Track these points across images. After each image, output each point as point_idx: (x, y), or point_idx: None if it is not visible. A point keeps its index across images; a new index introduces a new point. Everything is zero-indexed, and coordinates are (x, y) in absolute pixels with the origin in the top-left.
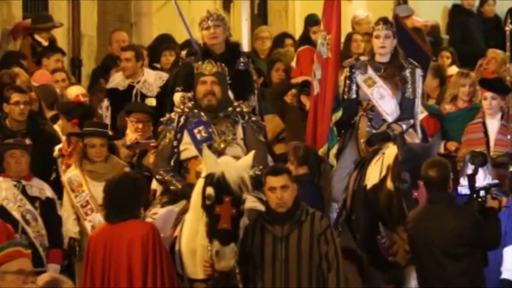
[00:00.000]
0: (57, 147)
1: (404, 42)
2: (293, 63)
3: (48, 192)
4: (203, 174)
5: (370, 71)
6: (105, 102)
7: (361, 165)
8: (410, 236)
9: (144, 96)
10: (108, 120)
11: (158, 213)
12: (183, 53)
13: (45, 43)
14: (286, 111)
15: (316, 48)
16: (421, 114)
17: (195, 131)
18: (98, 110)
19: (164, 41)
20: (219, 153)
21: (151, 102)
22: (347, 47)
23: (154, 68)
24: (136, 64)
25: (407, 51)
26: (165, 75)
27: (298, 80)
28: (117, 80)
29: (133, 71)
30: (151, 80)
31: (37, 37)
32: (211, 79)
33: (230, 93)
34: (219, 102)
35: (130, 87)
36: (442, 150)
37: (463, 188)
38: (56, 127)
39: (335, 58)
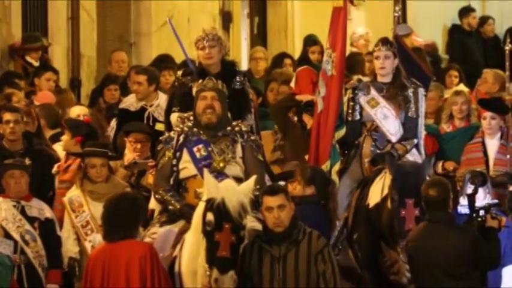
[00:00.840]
0: (56, 165)
1: (405, 62)
2: (292, 84)
3: (48, 213)
4: (204, 198)
5: (373, 92)
6: (113, 122)
7: (364, 184)
8: (410, 256)
9: (155, 120)
10: (111, 140)
11: (157, 233)
12: (179, 73)
13: (36, 63)
14: (289, 128)
15: (321, 65)
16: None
17: (195, 149)
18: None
19: (163, 61)
20: (218, 172)
21: (161, 127)
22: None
23: None
24: (149, 88)
25: (407, 70)
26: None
27: (302, 97)
28: (130, 100)
29: (145, 94)
30: (163, 103)
31: (27, 58)
32: (212, 94)
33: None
34: (219, 118)
35: (143, 110)
36: (440, 169)
37: (463, 208)
38: (56, 146)
39: (339, 76)
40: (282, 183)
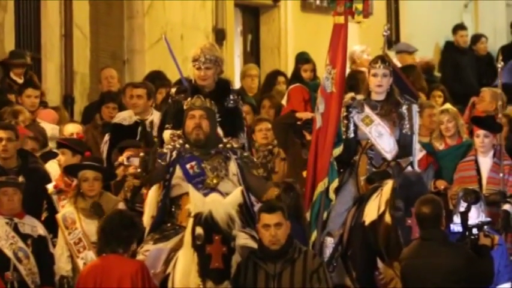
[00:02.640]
0: (50, 185)
1: (394, 82)
2: (283, 101)
3: (41, 230)
4: (192, 214)
5: (367, 110)
6: (106, 137)
7: (360, 202)
8: (404, 273)
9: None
10: (104, 155)
11: (149, 250)
12: (173, 90)
13: (20, 80)
14: (290, 145)
15: (321, 82)
16: (420, 153)
17: (188, 166)
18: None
19: (155, 78)
20: (212, 189)
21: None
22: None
23: None
24: (147, 102)
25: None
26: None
27: (303, 115)
28: (123, 115)
29: (143, 108)
30: (157, 120)
31: (12, 75)
32: (200, 113)
33: (220, 131)
34: (207, 137)
35: (136, 124)
36: (432, 188)
37: (456, 226)
38: (50, 164)
39: (339, 93)
40: None
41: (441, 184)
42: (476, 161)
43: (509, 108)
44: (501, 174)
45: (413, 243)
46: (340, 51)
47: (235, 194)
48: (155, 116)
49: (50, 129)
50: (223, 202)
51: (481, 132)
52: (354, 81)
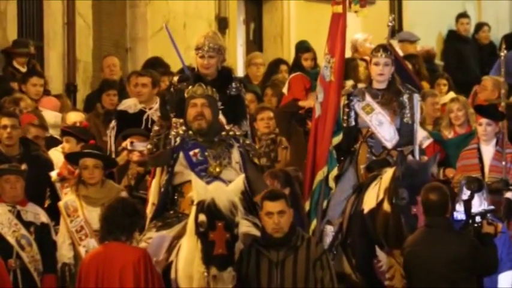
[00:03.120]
0: (54, 172)
1: (397, 71)
2: (284, 90)
3: (43, 218)
4: (195, 202)
5: (368, 98)
6: (112, 123)
7: (359, 190)
8: (407, 261)
9: (153, 123)
10: (112, 142)
11: (152, 238)
12: (175, 79)
13: (23, 69)
14: (292, 134)
15: (320, 71)
16: (428, 140)
17: (191, 153)
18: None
19: (155, 65)
20: (215, 177)
21: None
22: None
23: None
24: (152, 91)
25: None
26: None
27: (305, 103)
28: (129, 103)
29: (148, 97)
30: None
31: (15, 64)
32: (202, 101)
33: (222, 118)
34: (210, 125)
35: (141, 112)
36: (441, 176)
37: (459, 214)
38: (53, 152)
39: (338, 81)
40: None
41: (450, 172)
42: (478, 149)
43: None
44: (503, 163)
45: (418, 231)
46: (338, 40)
47: (238, 182)
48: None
49: (53, 116)
50: (226, 189)
51: (483, 120)
52: (345, 68)
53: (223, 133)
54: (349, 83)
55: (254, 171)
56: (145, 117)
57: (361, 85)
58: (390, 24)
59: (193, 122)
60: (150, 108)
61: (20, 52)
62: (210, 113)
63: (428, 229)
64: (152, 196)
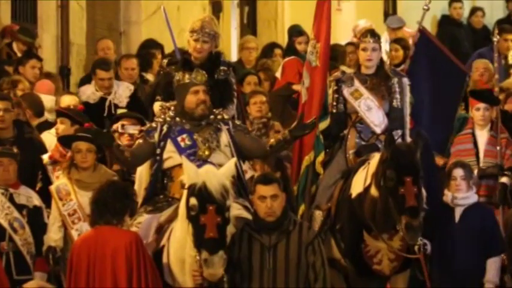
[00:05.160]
0: (46, 155)
1: (433, 58)
2: (278, 74)
3: (36, 201)
4: (186, 185)
5: (357, 83)
6: None
7: (348, 175)
8: None
9: (116, 108)
10: None
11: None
12: (165, 61)
13: (19, 54)
14: (286, 118)
15: (306, 56)
16: None
17: (179, 139)
18: None
19: (149, 47)
20: (204, 160)
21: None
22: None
23: (143, 78)
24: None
25: (437, 66)
26: (131, 86)
27: (299, 87)
28: (87, 93)
29: (136, 78)
30: (121, 91)
31: (14, 47)
32: (203, 88)
33: None
34: (209, 110)
35: (102, 100)
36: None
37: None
38: (45, 135)
39: (323, 67)
40: None
41: (440, 160)
42: (473, 134)
43: (507, 81)
44: (498, 147)
45: None
46: (324, 25)
47: (229, 165)
48: (117, 87)
49: (49, 100)
50: (217, 173)
51: (481, 105)
52: (333, 54)
53: (211, 117)
54: (346, 69)
55: (250, 140)
56: (107, 104)
57: (349, 70)
58: (426, 7)
59: (196, 108)
60: (109, 94)
61: (23, 40)
62: (208, 99)
63: None
64: (140, 181)
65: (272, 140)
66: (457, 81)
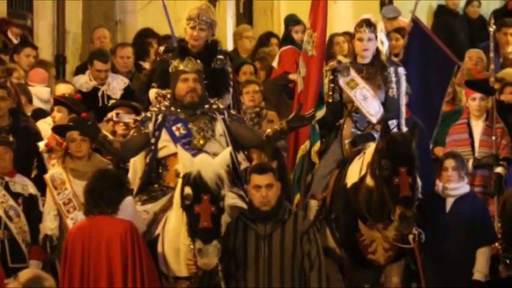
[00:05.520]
0: (42, 143)
1: (426, 47)
2: (274, 63)
3: (31, 189)
4: (181, 174)
5: (353, 73)
6: None
7: (343, 164)
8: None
9: (109, 98)
10: None
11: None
12: (161, 49)
13: (15, 41)
14: (282, 107)
15: (302, 45)
16: None
17: (174, 128)
18: None
19: (146, 36)
20: (199, 150)
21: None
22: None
23: (140, 67)
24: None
25: (428, 56)
26: (126, 80)
27: (295, 77)
28: (81, 81)
29: (131, 67)
30: (115, 83)
31: (9, 34)
32: (193, 76)
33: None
34: (200, 99)
35: (95, 90)
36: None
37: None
38: (40, 123)
39: (319, 56)
40: None
41: (440, 151)
42: (468, 124)
43: (503, 71)
44: (493, 137)
45: None
46: (320, 15)
47: (224, 155)
48: (111, 78)
49: (45, 92)
50: (212, 162)
51: (477, 95)
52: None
53: (206, 106)
54: (342, 58)
55: (246, 130)
56: (100, 94)
57: (345, 60)
58: None
59: (186, 96)
60: (102, 84)
61: (16, 23)
62: (200, 88)
63: None
64: (134, 169)
65: (269, 130)
66: (447, 71)
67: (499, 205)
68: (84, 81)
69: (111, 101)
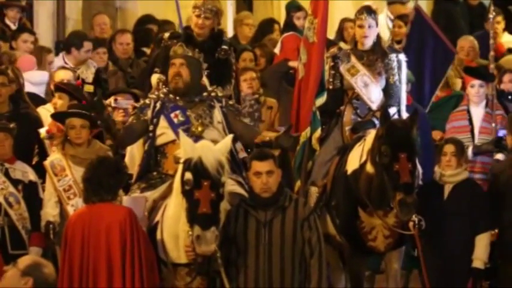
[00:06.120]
0: (43, 129)
1: (426, 36)
2: (276, 50)
3: (31, 176)
4: (182, 160)
5: (353, 60)
6: None
7: (344, 151)
8: (494, 185)
9: (84, 83)
10: None
11: (125, 197)
12: (166, 35)
13: (14, 27)
14: (282, 94)
15: (303, 32)
16: None
17: (172, 115)
18: None
19: (146, 23)
20: (197, 137)
21: (90, 88)
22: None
23: (142, 53)
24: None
25: (428, 45)
26: (95, 63)
27: (295, 64)
28: (57, 65)
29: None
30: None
31: (6, 21)
32: (180, 61)
33: (205, 80)
34: (186, 85)
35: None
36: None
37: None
38: (40, 110)
39: (320, 43)
40: None
41: (437, 135)
42: (468, 111)
43: (503, 59)
44: (493, 124)
45: (508, 158)
46: (321, 1)
47: (226, 142)
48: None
49: (38, 75)
50: (214, 148)
51: (476, 82)
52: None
53: (205, 94)
54: (343, 45)
55: (242, 125)
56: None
57: (346, 47)
58: None
59: (171, 81)
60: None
61: (12, 4)
62: (187, 73)
63: None
64: (131, 155)
65: (260, 137)
66: (444, 59)
67: None
68: (60, 64)
69: (86, 86)
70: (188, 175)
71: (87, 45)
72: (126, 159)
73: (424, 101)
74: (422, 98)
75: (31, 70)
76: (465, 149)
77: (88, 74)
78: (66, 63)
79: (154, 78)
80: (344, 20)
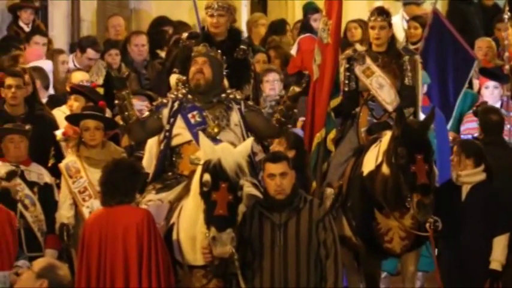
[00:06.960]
0: (59, 132)
1: (445, 40)
2: (293, 51)
3: (47, 178)
4: (201, 161)
5: (368, 61)
6: None
7: (359, 153)
8: None
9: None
10: None
11: (152, 201)
12: (184, 35)
13: (27, 29)
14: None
15: (318, 33)
16: None
17: (189, 115)
18: None
19: (161, 25)
20: (213, 138)
21: (100, 91)
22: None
23: (156, 55)
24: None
25: (447, 50)
26: (105, 64)
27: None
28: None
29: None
30: (96, 69)
31: (20, 23)
32: (203, 59)
33: (225, 82)
34: (208, 83)
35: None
36: None
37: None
38: (56, 112)
39: (335, 44)
40: None
41: (450, 135)
42: None
43: None
44: (508, 126)
45: None
46: (335, 2)
47: (246, 144)
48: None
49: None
50: (233, 151)
51: (490, 83)
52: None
53: (223, 95)
54: (358, 47)
55: (263, 121)
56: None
57: (361, 48)
58: None
59: (193, 78)
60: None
61: (25, 5)
62: (209, 72)
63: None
64: (149, 154)
65: (276, 115)
66: (465, 66)
67: None
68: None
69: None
70: (206, 176)
71: (90, 52)
72: (145, 159)
73: (448, 107)
74: (445, 104)
75: (39, 60)
76: (482, 149)
77: (98, 77)
78: (74, 65)
79: (173, 78)
80: (348, 21)
